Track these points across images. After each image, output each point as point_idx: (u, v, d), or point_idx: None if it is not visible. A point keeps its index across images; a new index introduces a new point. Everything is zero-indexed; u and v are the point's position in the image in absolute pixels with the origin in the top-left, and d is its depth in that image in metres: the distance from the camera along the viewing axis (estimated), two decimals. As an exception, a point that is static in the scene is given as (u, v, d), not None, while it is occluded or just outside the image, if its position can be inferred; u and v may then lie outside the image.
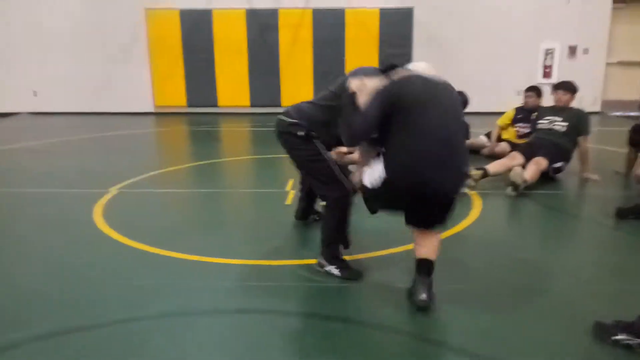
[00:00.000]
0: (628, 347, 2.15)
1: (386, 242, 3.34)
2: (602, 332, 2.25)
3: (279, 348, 2.21)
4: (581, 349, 2.21)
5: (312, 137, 2.78)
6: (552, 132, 5.02)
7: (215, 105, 10.83)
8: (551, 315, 2.48)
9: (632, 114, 9.02)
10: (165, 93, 10.82)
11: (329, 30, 10.04)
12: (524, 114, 5.97)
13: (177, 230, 3.76)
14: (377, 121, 2.40)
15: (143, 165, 6.17)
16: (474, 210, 4.07)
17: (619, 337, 2.18)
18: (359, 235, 3.35)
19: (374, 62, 10.11)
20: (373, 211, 2.68)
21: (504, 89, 9.75)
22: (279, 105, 10.66)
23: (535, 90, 5.88)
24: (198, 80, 10.61)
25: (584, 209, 4.33)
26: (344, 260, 2.91)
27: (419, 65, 2.66)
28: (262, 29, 10.20)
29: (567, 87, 5.16)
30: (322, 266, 2.90)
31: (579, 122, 4.97)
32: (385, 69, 2.63)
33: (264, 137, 8.56)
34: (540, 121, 5.21)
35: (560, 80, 5.43)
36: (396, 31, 9.94)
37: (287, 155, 2.95)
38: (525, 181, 4.48)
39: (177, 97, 10.80)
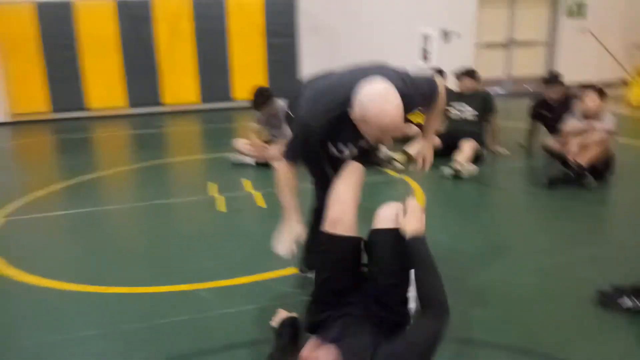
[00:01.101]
0: (636, 310, 2.21)
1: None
2: (607, 299, 2.29)
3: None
4: (595, 320, 2.22)
5: None
6: (465, 122, 5.19)
7: (84, 108, 9.64)
8: (547, 291, 2.48)
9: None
10: (23, 98, 9.33)
11: (210, 21, 9.45)
12: (429, 96, 6.10)
13: (105, 260, 3.14)
14: None
15: (20, 186, 5.19)
16: (417, 196, 4.02)
17: (625, 302, 2.23)
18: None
19: (261, 52, 9.79)
20: None
21: (389, 74, 10.07)
22: (159, 104, 9.84)
23: (438, 73, 6.04)
24: (63, 82, 9.30)
25: (513, 181, 4.52)
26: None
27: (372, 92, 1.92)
28: (135, 22, 9.26)
29: (472, 75, 5.38)
30: (304, 272, 2.60)
31: (485, 104, 5.23)
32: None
33: (149, 140, 7.79)
34: (450, 109, 5.29)
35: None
36: (281, 21, 9.69)
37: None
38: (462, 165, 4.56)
39: (38, 102, 9.38)
